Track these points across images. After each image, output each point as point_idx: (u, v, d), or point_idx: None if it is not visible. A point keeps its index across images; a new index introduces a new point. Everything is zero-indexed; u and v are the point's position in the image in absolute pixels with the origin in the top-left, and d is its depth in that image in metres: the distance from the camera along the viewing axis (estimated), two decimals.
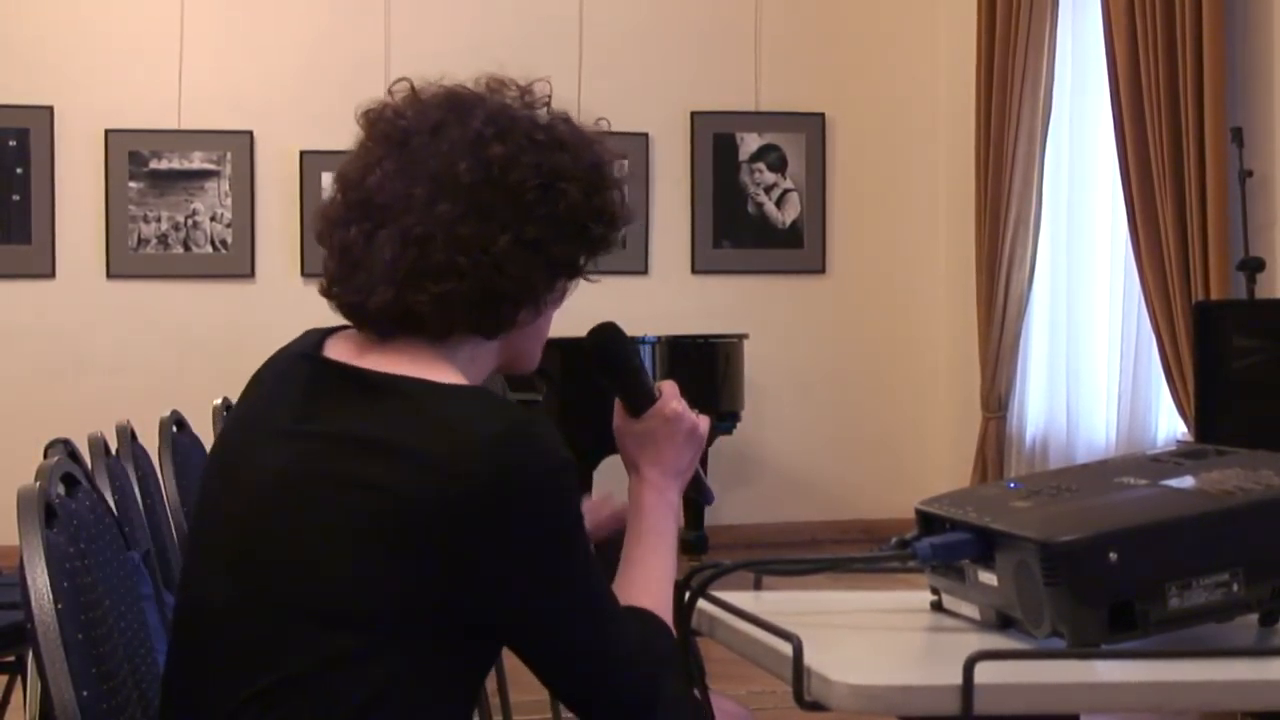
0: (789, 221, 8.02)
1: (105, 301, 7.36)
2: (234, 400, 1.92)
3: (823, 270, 8.06)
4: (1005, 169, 7.06)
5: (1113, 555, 1.56)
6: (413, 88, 1.72)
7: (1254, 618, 1.69)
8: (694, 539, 7.05)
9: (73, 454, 2.72)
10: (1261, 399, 4.56)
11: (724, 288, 7.92)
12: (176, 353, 7.34)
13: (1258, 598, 1.63)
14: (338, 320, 1.75)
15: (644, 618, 1.74)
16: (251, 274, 7.44)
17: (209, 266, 7.43)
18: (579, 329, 1.98)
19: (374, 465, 1.57)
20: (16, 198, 7.24)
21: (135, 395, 6.35)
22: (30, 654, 2.57)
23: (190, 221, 7.40)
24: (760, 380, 7.55)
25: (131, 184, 7.36)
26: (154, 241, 7.40)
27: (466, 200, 1.64)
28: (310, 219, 6.73)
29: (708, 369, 6.89)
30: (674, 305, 7.74)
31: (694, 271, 7.92)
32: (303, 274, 7.26)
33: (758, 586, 1.96)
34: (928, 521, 1.80)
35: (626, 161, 1.79)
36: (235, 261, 7.43)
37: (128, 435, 3.16)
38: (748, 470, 7.92)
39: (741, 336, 7.06)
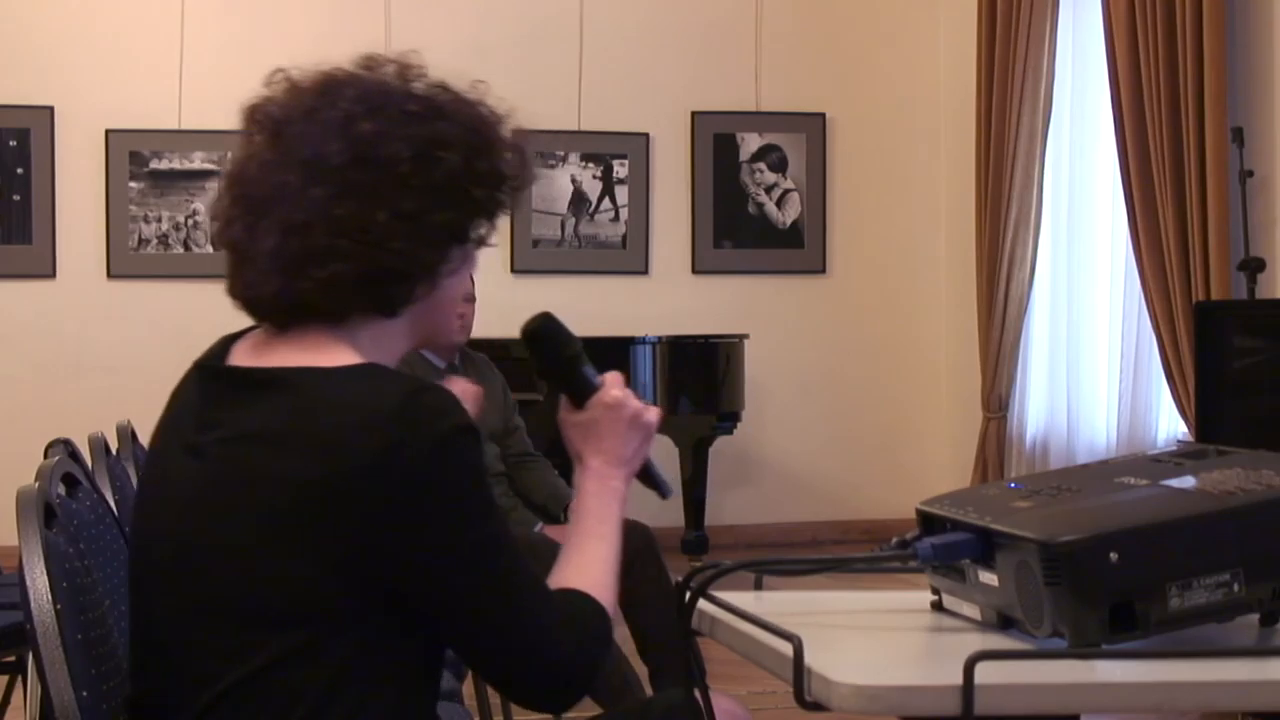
0: (789, 221, 8.02)
1: (105, 301, 7.36)
2: None
3: (823, 270, 8.05)
4: (1005, 169, 7.06)
5: (1113, 555, 1.56)
6: (289, 77, 1.72)
7: (1254, 618, 1.69)
8: (694, 539, 7.05)
9: (73, 454, 2.72)
10: (1261, 399, 4.56)
11: (724, 288, 7.91)
12: (176, 353, 7.21)
13: (1258, 598, 1.63)
14: None
15: (572, 595, 1.73)
16: None
17: (210, 266, 7.39)
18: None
19: (273, 460, 1.59)
20: (17, 198, 7.24)
21: (135, 395, 6.31)
22: (31, 654, 2.57)
23: (191, 221, 7.40)
24: (761, 380, 7.55)
25: (132, 184, 7.36)
26: (154, 241, 7.39)
27: (339, 182, 1.64)
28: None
29: (708, 369, 6.89)
30: (674, 305, 7.74)
31: (694, 271, 7.92)
32: None
33: (758, 587, 1.96)
34: (928, 521, 1.80)
35: (519, 122, 1.77)
36: None
37: (128, 435, 3.16)
38: (748, 470, 7.92)
39: (742, 336, 7.06)
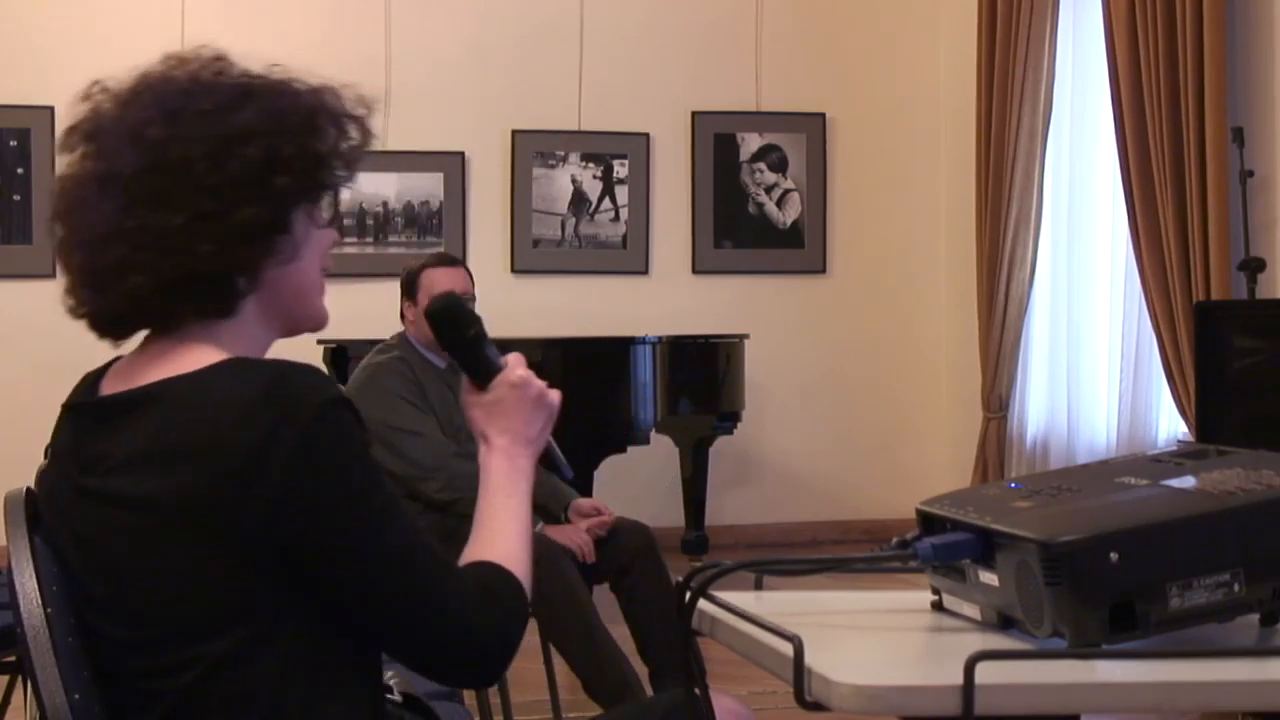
0: (790, 221, 8.02)
1: None
2: None
3: (823, 270, 8.06)
4: (1006, 169, 7.06)
5: (1114, 555, 1.56)
6: (105, 88, 1.71)
7: (1255, 618, 1.69)
8: (694, 539, 7.05)
9: None
10: (1262, 399, 4.56)
11: (725, 288, 7.91)
12: None
13: (1259, 598, 1.63)
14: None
15: (483, 567, 1.72)
16: None
17: None
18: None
19: (160, 478, 1.57)
20: (17, 198, 7.24)
21: None
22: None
23: None
24: (761, 380, 7.55)
25: None
26: None
27: (129, 192, 1.62)
28: None
29: (708, 369, 6.89)
30: (675, 305, 7.74)
31: (695, 271, 7.92)
32: None
33: (758, 587, 1.96)
34: (928, 521, 1.79)
35: (348, 93, 1.73)
36: None
37: None
38: (748, 470, 7.92)
39: (742, 336, 7.06)
